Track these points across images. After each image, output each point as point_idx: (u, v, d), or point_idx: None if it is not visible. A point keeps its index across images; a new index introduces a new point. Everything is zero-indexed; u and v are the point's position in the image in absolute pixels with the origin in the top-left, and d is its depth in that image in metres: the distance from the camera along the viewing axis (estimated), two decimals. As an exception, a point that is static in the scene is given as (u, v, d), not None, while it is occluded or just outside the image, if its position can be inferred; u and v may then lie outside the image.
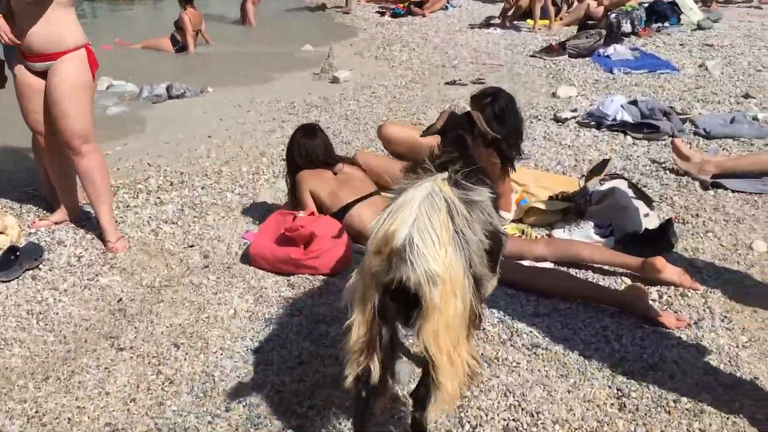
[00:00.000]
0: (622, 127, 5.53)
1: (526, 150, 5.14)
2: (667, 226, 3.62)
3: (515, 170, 3.75)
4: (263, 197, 4.48)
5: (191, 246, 3.86)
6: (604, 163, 4.04)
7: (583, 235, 3.64)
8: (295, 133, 3.92)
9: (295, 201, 3.84)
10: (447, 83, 7.31)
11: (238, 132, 5.88)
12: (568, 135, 5.47)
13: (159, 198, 4.52)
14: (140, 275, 3.54)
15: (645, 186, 4.44)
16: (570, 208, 3.93)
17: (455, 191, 2.04)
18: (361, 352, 1.95)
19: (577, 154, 5.06)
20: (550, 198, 4.12)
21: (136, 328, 3.00)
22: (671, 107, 5.79)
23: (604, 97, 6.17)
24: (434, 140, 3.88)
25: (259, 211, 4.26)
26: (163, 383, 2.63)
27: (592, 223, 3.68)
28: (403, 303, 1.91)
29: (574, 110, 5.98)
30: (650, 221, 3.81)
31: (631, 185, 3.91)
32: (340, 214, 3.66)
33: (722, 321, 2.97)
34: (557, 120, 5.82)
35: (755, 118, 5.70)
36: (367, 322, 1.94)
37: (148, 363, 2.76)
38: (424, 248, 1.87)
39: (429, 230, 1.91)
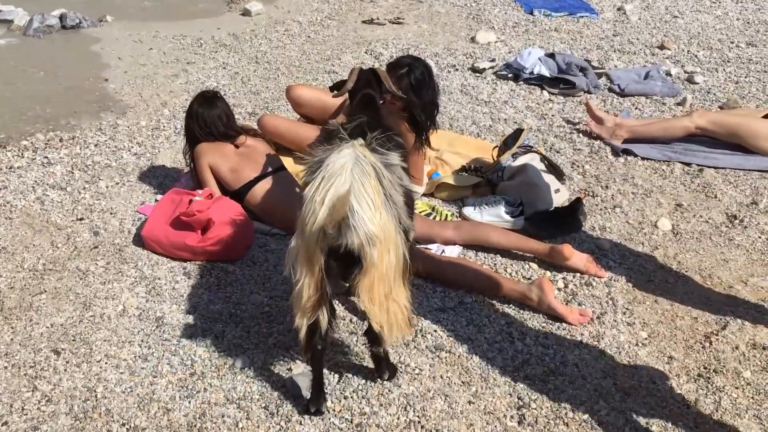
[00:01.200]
0: (539, 81, 5.43)
1: (442, 106, 5.00)
2: (576, 205, 3.58)
3: (428, 145, 3.60)
4: (163, 159, 4.20)
5: (80, 219, 3.59)
6: (518, 132, 3.94)
7: (493, 214, 3.56)
8: (193, 102, 3.63)
9: (195, 174, 3.59)
10: (364, 21, 7.00)
11: (137, 75, 5.48)
12: (485, 88, 5.34)
13: (47, 158, 4.18)
14: (22, 255, 3.28)
15: (558, 152, 4.39)
16: (481, 183, 3.84)
17: (376, 156, 2.21)
18: (313, 308, 2.18)
19: (493, 111, 4.95)
20: (462, 170, 4.02)
21: (13, 328, 2.77)
22: (587, 60, 5.71)
23: (523, 48, 6.03)
24: (343, 100, 3.71)
25: (157, 177, 3.99)
26: (39, 401, 2.44)
27: (503, 201, 3.60)
28: (345, 262, 2.14)
29: (492, 60, 5.83)
30: (561, 197, 3.77)
31: (544, 159, 3.83)
32: (243, 191, 3.45)
33: (624, 314, 2.97)
34: (474, 70, 5.66)
35: (668, 74, 5.69)
36: (316, 282, 2.15)
37: (24, 374, 2.56)
38: (363, 213, 2.06)
39: (365, 195, 2.08)
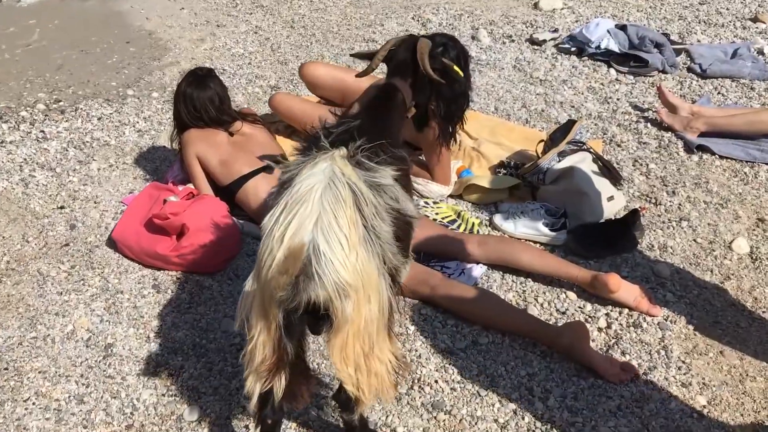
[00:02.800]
0: (606, 57, 4.73)
1: (490, 83, 4.39)
2: (631, 219, 2.97)
3: (454, 140, 3.03)
4: (165, 139, 3.75)
5: (61, 208, 3.20)
6: (569, 125, 3.32)
7: (529, 226, 2.98)
8: (182, 81, 3.13)
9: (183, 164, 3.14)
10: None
11: (161, 38, 5.05)
12: (543, 64, 4.68)
13: (43, 132, 3.81)
14: (-11, 250, 2.90)
15: (619, 145, 3.75)
16: (519, 185, 3.26)
17: (359, 173, 1.72)
18: (268, 372, 1.71)
19: (548, 92, 4.30)
20: (501, 166, 3.43)
21: (-53, 348, 2.40)
22: (665, 34, 4.95)
23: (592, 16, 5.31)
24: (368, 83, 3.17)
25: (154, 161, 3.57)
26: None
27: (543, 210, 3.01)
28: (311, 317, 1.66)
29: (555, 30, 5.14)
30: (615, 206, 3.16)
31: (597, 158, 3.20)
32: (234, 188, 2.97)
33: (679, 369, 2.38)
34: (533, 42, 4.99)
35: (761, 52, 4.89)
36: (273, 342, 1.68)
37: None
38: (332, 255, 1.58)
39: (335, 230, 1.60)
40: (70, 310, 2.55)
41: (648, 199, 3.32)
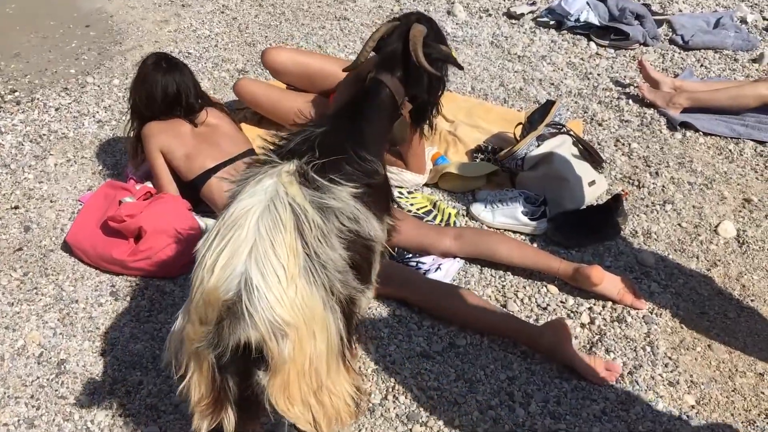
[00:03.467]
0: (586, 30, 4.57)
1: (467, 61, 4.23)
2: (614, 204, 2.85)
3: (431, 132, 2.87)
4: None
5: (15, 208, 3.03)
6: (548, 106, 3.18)
7: (508, 215, 2.85)
8: (146, 65, 2.93)
9: (140, 156, 2.96)
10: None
11: (123, 21, 4.83)
12: (521, 39, 4.51)
13: (-3, 125, 3.60)
14: (-65, 258, 2.73)
15: (600, 124, 3.61)
16: (497, 171, 3.12)
17: (306, 192, 1.57)
18: (211, 409, 1.54)
19: (527, 69, 4.15)
20: (478, 150, 3.29)
21: None
22: (646, 4, 4.80)
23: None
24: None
25: (114, 154, 3.39)
26: None
27: (522, 198, 2.88)
28: (243, 359, 1.47)
29: (533, 3, 4.96)
30: (597, 190, 3.03)
31: (578, 141, 3.07)
32: (198, 183, 2.81)
33: (665, 367, 2.28)
34: (510, 16, 4.82)
35: (743, 21, 4.76)
36: (207, 381, 1.51)
37: None
38: (267, 290, 1.41)
39: (272, 260, 1.44)
40: (21, 323, 2.40)
41: (630, 181, 3.20)
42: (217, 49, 4.40)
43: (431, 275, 2.59)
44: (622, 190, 3.05)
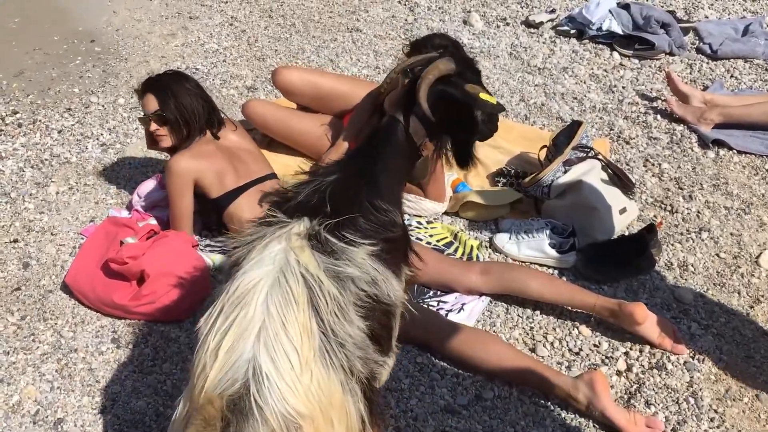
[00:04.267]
0: (609, 39, 4.38)
1: (485, 74, 4.05)
2: (648, 235, 2.67)
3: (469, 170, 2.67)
4: (133, 151, 3.44)
5: (14, 241, 2.88)
6: (575, 127, 3.00)
7: (534, 248, 2.68)
8: (173, 79, 2.78)
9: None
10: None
11: (129, 35, 4.68)
12: (540, 50, 4.33)
13: (-3, 149, 3.46)
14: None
15: (628, 142, 3.43)
16: (521, 199, 2.94)
17: (320, 259, 1.40)
18: None
19: (548, 82, 3.96)
20: (500, 174, 3.11)
21: None
22: (671, 11, 4.60)
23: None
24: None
25: (119, 180, 3.24)
26: None
27: (548, 230, 2.70)
28: None
29: (552, 11, 4.78)
30: (628, 218, 2.85)
31: (607, 165, 2.88)
32: (224, 202, 2.65)
33: (711, 421, 2.10)
34: (529, 25, 4.63)
35: (774, 27, 4.55)
36: None
37: None
38: (278, 378, 1.26)
39: (283, 344, 1.28)
40: (17, 375, 2.24)
41: (663, 206, 3.01)
42: (226, 65, 4.24)
43: (453, 316, 2.42)
44: (656, 219, 2.86)
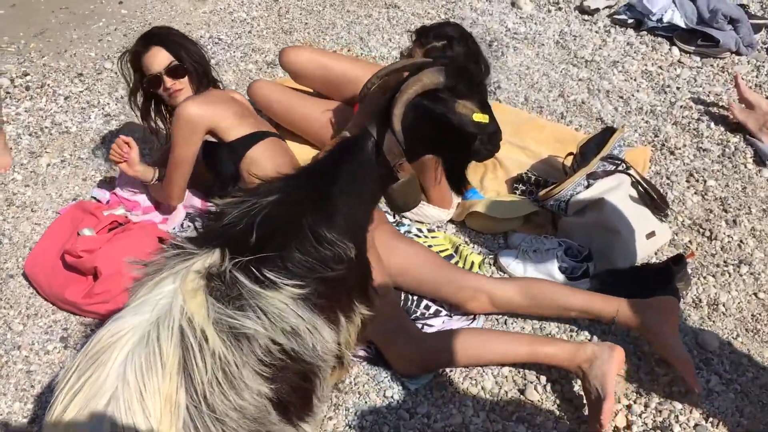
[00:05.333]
0: (669, 33, 3.96)
1: (525, 64, 3.71)
2: (676, 266, 2.33)
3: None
4: (135, 126, 3.23)
5: (-6, 215, 2.73)
6: (607, 135, 2.66)
7: (542, 271, 2.38)
8: (170, 31, 2.58)
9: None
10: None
11: (158, -2, 4.47)
12: (591, 40, 3.95)
13: (-1, 113, 3.31)
14: None
15: (672, 152, 3.05)
16: (537, 212, 2.63)
17: (213, 307, 1.16)
18: None
19: (593, 78, 3.60)
20: (519, 181, 2.80)
21: None
22: (743, 5, 4.13)
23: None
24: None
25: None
26: None
27: (561, 251, 2.39)
28: None
29: (611, -4, 4.35)
30: (656, 243, 2.52)
31: (638, 182, 2.54)
32: (240, 147, 2.42)
33: (717, 502, 1.78)
34: (583, 11, 4.24)
35: None
36: None
37: None
38: None
39: (135, 421, 1.02)
40: (-47, 370, 2.09)
41: (701, 230, 2.66)
42: (251, 36, 4.01)
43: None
44: (690, 243, 2.52)
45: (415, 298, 2.27)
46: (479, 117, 1.51)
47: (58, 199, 2.79)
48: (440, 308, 2.27)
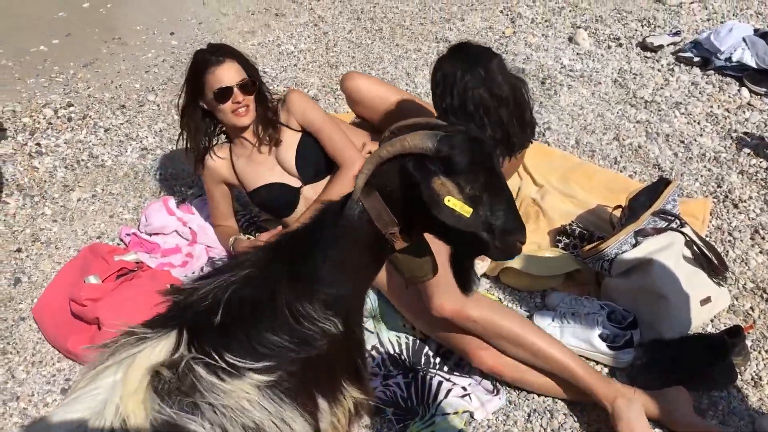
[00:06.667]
0: (739, 72, 3.69)
1: (579, 104, 3.50)
2: (732, 339, 2.08)
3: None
4: (171, 161, 3.18)
5: (17, 251, 2.69)
6: (660, 186, 2.44)
7: (581, 339, 2.16)
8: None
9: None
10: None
11: (210, 29, 4.46)
12: (653, 79, 3.71)
13: (39, 144, 3.32)
14: None
15: (736, 206, 2.79)
16: (580, 270, 2.42)
17: (157, 407, 1.02)
18: None
19: (652, 120, 3.36)
20: (563, 233, 2.59)
21: None
22: (823, 45, 3.82)
23: (729, 14, 4.23)
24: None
25: (142, 193, 2.99)
26: None
27: (603, 316, 2.17)
28: None
29: (676, 33, 4.11)
30: (711, 311, 2.27)
31: (692, 242, 2.31)
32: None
33: None
34: (645, 48, 4.00)
35: None
36: None
37: None
38: None
39: None
40: (-52, 417, 2.02)
41: (765, 295, 2.40)
42: (296, 70, 3.93)
43: (455, 399, 1.96)
44: (748, 315, 2.26)
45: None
46: (453, 203, 1.23)
47: (83, 236, 2.73)
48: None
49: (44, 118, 3.47)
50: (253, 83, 2.33)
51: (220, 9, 4.74)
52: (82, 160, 3.20)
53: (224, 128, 2.40)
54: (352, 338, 1.33)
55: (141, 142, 3.33)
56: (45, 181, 3.06)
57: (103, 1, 4.87)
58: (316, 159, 2.42)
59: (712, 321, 2.31)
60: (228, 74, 2.29)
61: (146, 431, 0.99)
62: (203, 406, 1.04)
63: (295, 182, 2.41)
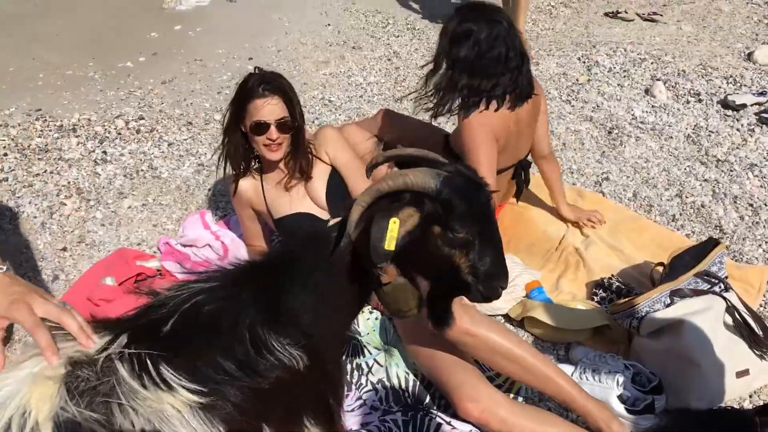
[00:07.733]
0: (826, 138, 3.47)
1: (644, 156, 3.36)
2: (762, 417, 1.90)
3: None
4: (220, 177, 3.23)
5: (63, 249, 2.80)
6: (708, 247, 2.29)
7: (599, 396, 2.03)
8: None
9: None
10: (606, 14, 5.31)
11: (287, 58, 4.58)
12: (730, 137, 3.53)
13: (105, 152, 3.46)
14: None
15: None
16: (610, 326, 2.28)
17: (62, 404, 1.00)
18: None
19: (722, 180, 3.18)
20: (600, 287, 2.47)
21: None
22: None
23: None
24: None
25: (188, 207, 3.06)
26: None
27: (626, 376, 2.04)
28: None
29: (762, 93, 3.91)
30: (748, 385, 2.09)
31: (733, 309, 2.14)
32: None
33: None
34: (726, 106, 3.82)
35: None
36: None
37: None
38: None
39: None
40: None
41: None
42: (361, 101, 3.96)
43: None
44: (788, 396, 2.07)
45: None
46: (392, 228, 1.21)
47: (125, 241, 2.81)
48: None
49: (115, 129, 3.61)
50: (293, 123, 2.31)
51: (300, 39, 4.85)
52: (142, 170, 3.31)
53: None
54: (324, 375, 1.28)
55: (199, 158, 3.41)
56: (103, 187, 3.17)
57: (193, 24, 5.07)
58: (345, 195, 2.40)
59: (750, 396, 2.12)
60: (269, 109, 2.26)
61: (46, 426, 0.97)
62: (117, 409, 1.02)
63: (324, 215, 2.39)
